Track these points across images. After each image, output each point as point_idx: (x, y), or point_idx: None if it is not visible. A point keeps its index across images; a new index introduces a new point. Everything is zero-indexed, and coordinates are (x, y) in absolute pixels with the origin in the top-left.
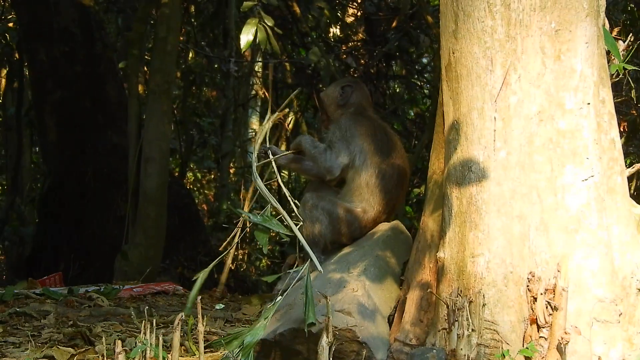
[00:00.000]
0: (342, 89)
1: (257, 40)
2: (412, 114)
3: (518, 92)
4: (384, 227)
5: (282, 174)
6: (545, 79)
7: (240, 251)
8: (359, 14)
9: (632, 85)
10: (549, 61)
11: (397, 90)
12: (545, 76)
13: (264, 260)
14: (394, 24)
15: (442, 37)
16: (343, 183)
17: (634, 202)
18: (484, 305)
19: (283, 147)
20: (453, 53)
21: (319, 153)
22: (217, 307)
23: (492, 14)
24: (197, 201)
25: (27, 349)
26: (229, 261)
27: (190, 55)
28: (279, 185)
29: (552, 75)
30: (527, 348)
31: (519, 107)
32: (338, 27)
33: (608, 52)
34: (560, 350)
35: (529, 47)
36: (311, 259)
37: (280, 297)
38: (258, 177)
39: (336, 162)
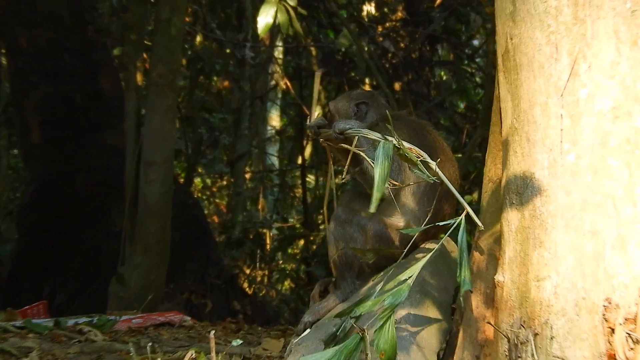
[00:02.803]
0: (356, 107)
1: (277, 23)
2: (462, 106)
3: (588, 84)
4: (430, 245)
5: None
6: (620, 69)
7: (259, 272)
8: None
9: None
10: (624, 47)
11: (444, 79)
12: (620, 65)
13: (286, 283)
14: (439, 1)
15: (498, 20)
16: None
17: None
18: (552, 338)
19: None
20: (511, 39)
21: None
22: (234, 343)
23: None
24: (206, 212)
25: None
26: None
27: (198, 39)
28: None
29: (629, 64)
30: None
31: (589, 102)
32: (373, 4)
33: None
34: None
35: (601, 31)
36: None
37: (308, 330)
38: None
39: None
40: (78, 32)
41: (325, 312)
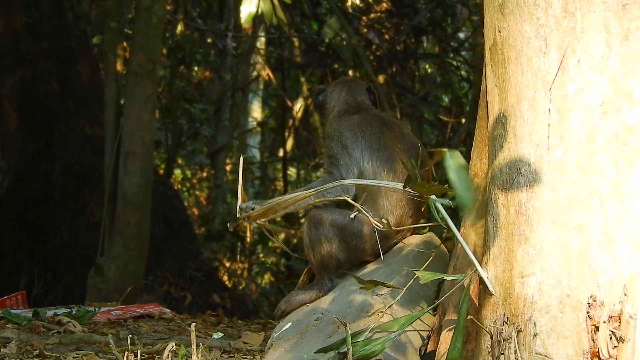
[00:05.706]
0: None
1: (260, 12)
2: (447, 100)
3: (577, 78)
4: (414, 240)
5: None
6: (609, 64)
7: (239, 265)
8: None
9: None
10: (614, 42)
11: (429, 72)
12: (610, 60)
13: (266, 276)
14: None
15: (486, 12)
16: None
17: None
18: (535, 335)
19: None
20: (499, 31)
21: (322, 183)
22: (215, 336)
23: None
24: (186, 204)
25: None
26: None
27: (179, 28)
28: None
29: (618, 59)
30: None
31: (578, 96)
32: None
33: None
34: None
35: (591, 25)
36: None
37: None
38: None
39: (348, 177)
40: (56, 18)
41: (300, 304)
